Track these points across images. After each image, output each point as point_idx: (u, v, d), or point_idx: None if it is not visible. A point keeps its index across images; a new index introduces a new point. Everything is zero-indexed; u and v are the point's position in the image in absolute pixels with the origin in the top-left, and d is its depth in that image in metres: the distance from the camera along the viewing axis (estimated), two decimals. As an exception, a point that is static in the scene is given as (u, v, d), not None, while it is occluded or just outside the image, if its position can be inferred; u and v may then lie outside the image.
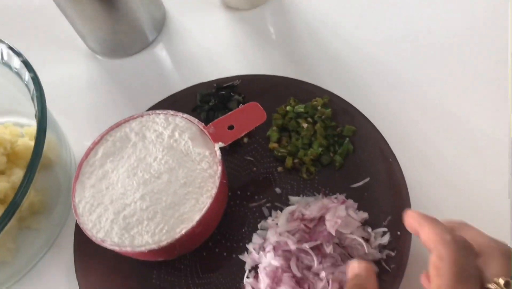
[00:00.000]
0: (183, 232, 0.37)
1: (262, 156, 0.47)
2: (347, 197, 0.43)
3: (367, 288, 0.31)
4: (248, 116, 0.42)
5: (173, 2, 0.62)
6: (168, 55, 0.59)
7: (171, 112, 0.43)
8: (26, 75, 0.43)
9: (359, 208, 0.42)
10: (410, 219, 0.31)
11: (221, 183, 0.39)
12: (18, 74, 0.44)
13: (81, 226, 0.39)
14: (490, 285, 0.27)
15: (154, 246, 0.37)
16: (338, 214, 0.40)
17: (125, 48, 0.58)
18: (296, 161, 0.45)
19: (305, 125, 0.46)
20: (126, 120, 0.43)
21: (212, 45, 0.58)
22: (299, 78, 0.50)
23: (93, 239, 0.38)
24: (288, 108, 0.48)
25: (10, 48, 0.44)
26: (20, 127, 0.52)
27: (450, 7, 0.55)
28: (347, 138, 0.45)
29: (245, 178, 0.46)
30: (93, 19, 0.53)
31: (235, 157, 0.47)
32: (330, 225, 0.39)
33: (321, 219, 0.41)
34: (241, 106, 0.45)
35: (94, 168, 0.41)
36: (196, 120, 0.42)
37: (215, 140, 0.41)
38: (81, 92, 0.57)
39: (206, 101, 0.49)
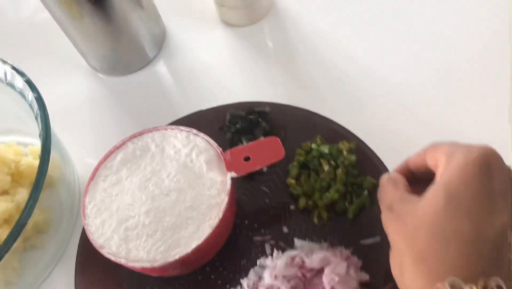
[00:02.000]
0: (177, 256, 0.37)
1: (278, 189, 0.46)
2: (353, 252, 0.41)
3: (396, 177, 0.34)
4: (266, 150, 0.41)
5: (172, 19, 0.63)
6: (169, 72, 0.59)
7: (194, 131, 0.43)
8: (30, 95, 0.44)
9: (362, 267, 0.40)
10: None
11: (224, 215, 0.38)
12: (21, 93, 0.45)
13: (85, 227, 0.39)
14: None
15: (147, 264, 0.37)
16: (338, 271, 0.38)
17: (126, 66, 0.58)
18: (310, 202, 0.44)
19: (326, 167, 0.44)
20: (149, 131, 0.44)
21: (212, 62, 0.58)
22: (307, 103, 0.50)
23: (93, 243, 0.39)
24: (313, 146, 0.46)
25: (14, 68, 0.45)
26: (23, 146, 0.52)
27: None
28: (366, 191, 0.43)
29: (255, 208, 0.45)
30: (93, 37, 0.53)
31: (251, 184, 0.47)
32: (327, 281, 0.38)
33: (320, 271, 0.39)
34: (261, 138, 0.44)
35: (110, 172, 0.42)
36: (215, 145, 0.42)
37: (229, 168, 0.40)
38: (83, 109, 0.58)
39: (233, 123, 0.49)
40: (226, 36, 0.60)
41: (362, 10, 0.59)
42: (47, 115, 0.42)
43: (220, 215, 0.38)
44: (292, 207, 0.45)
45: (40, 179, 0.38)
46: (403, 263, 0.29)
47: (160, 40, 0.60)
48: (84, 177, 0.50)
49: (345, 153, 0.45)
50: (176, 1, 0.65)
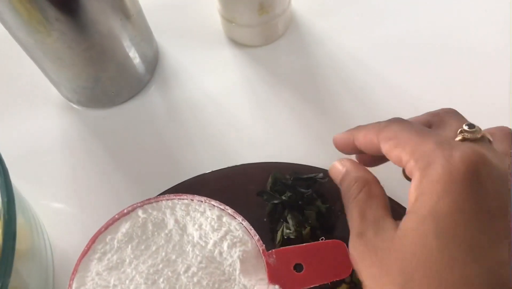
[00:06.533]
0: None
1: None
2: None
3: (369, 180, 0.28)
4: (326, 258, 0.30)
5: (165, 35, 0.50)
6: (163, 103, 0.46)
7: (230, 211, 0.32)
8: None
9: None
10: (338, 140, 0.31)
11: None
12: None
13: None
14: (458, 138, 0.25)
15: None
16: None
17: (111, 97, 0.45)
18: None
19: None
20: (169, 198, 0.33)
21: (217, 89, 0.46)
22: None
23: None
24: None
25: None
26: None
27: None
28: None
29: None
30: (68, 65, 0.39)
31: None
32: None
33: None
34: (322, 240, 0.33)
35: (110, 248, 0.31)
36: (257, 237, 0.31)
37: (272, 278, 0.29)
38: (53, 153, 0.44)
39: (277, 190, 0.37)
40: (235, 58, 0.48)
41: (396, 29, 0.49)
42: (10, 183, 0.29)
43: None
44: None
45: (7, 268, 0.26)
46: None
47: (153, 63, 0.47)
48: (57, 247, 0.39)
49: None
50: (169, 13, 0.51)
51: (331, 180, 0.37)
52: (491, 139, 0.26)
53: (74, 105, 0.47)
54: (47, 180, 0.43)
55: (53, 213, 0.41)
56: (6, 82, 0.49)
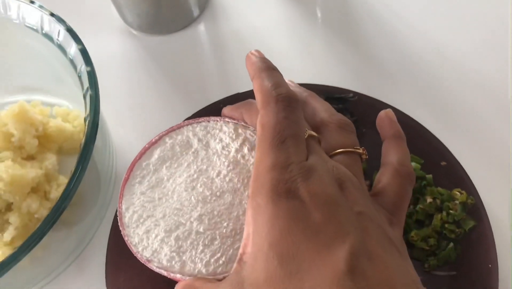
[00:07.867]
0: (242, 268, 0.32)
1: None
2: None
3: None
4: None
5: None
6: (213, 35, 0.51)
7: (243, 123, 0.35)
8: (72, 48, 0.36)
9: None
10: (249, 64, 0.31)
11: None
12: (60, 47, 0.37)
13: (125, 238, 0.34)
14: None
15: (208, 278, 0.33)
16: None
17: (168, 24, 0.50)
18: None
19: (429, 199, 0.38)
20: (189, 123, 0.37)
21: (261, 24, 0.51)
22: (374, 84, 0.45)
23: (138, 256, 0.33)
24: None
25: (53, 15, 0.36)
26: (49, 106, 0.45)
27: None
28: (451, 243, 0.36)
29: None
30: None
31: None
32: None
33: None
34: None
35: (147, 172, 0.36)
36: None
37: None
38: (116, 71, 0.49)
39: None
40: None
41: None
42: (94, 70, 0.35)
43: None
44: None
45: (90, 146, 0.33)
46: None
47: None
48: (119, 151, 0.45)
49: (457, 202, 0.37)
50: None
51: (358, 100, 0.43)
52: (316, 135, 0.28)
53: (134, 31, 0.52)
54: (111, 96, 0.48)
55: (115, 122, 0.46)
56: (70, 5, 0.54)
